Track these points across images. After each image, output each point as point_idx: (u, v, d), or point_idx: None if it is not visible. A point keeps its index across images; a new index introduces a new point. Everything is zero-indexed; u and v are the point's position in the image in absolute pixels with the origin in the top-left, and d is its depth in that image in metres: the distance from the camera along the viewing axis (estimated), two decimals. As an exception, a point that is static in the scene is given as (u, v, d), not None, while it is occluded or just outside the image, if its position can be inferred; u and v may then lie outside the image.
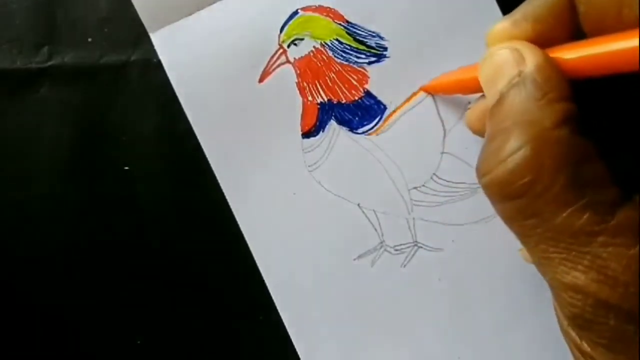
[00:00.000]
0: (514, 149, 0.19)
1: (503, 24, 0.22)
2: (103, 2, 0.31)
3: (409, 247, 0.30)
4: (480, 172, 0.21)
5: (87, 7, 0.31)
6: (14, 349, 0.32)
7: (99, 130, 0.31)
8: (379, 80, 0.30)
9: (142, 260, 0.31)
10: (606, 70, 0.19)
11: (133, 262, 0.31)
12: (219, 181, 0.30)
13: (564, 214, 0.18)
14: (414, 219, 0.30)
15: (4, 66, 0.31)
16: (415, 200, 0.30)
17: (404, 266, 0.30)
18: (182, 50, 0.30)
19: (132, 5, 0.30)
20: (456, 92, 0.28)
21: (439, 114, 0.30)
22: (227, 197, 0.30)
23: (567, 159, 0.18)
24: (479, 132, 0.27)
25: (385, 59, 0.30)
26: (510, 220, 0.20)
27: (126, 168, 0.31)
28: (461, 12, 0.29)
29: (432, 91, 0.30)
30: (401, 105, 0.30)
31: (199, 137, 0.30)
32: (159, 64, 0.30)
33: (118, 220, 0.31)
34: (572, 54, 0.20)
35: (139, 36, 0.30)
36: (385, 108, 0.30)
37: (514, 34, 0.22)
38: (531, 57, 0.20)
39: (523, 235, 0.20)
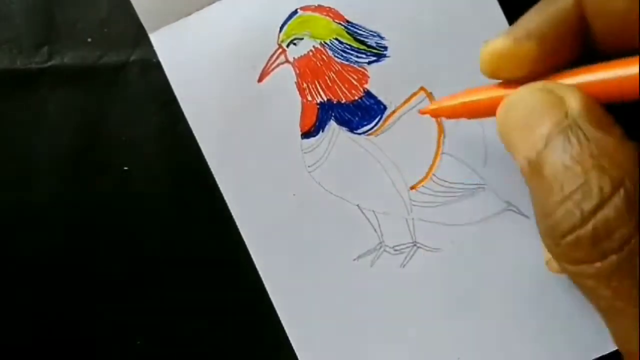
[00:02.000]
0: (605, 198, 0.16)
1: (504, 41, 0.20)
2: (103, 2, 0.31)
3: (408, 247, 0.30)
4: (559, 234, 0.17)
5: (87, 7, 0.31)
6: (14, 349, 0.32)
7: (98, 130, 0.31)
8: (379, 80, 0.30)
9: (142, 260, 0.31)
10: (630, 96, 0.17)
11: (133, 262, 0.31)
12: (218, 182, 0.30)
13: None
14: (413, 219, 0.30)
15: (3, 66, 0.31)
16: (415, 201, 0.30)
17: (403, 266, 0.30)
18: (181, 50, 0.30)
19: (131, 6, 0.30)
20: (461, 116, 0.26)
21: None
22: (226, 198, 0.30)
23: None
24: (496, 75, 0.23)
25: (386, 58, 0.30)
26: (604, 281, 0.17)
27: (126, 168, 0.31)
28: (462, 11, 0.29)
29: (433, 115, 0.29)
30: (401, 105, 0.30)
31: (197, 138, 0.30)
32: (158, 64, 0.30)
33: (118, 220, 0.31)
34: (596, 76, 0.18)
35: (139, 36, 0.30)
36: (385, 108, 0.30)
37: (516, 54, 0.20)
38: (574, 97, 0.18)
39: (615, 299, 0.17)
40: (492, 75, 0.21)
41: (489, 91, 0.23)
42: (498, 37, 0.20)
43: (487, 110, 0.21)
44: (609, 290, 0.17)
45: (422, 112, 0.28)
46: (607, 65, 0.18)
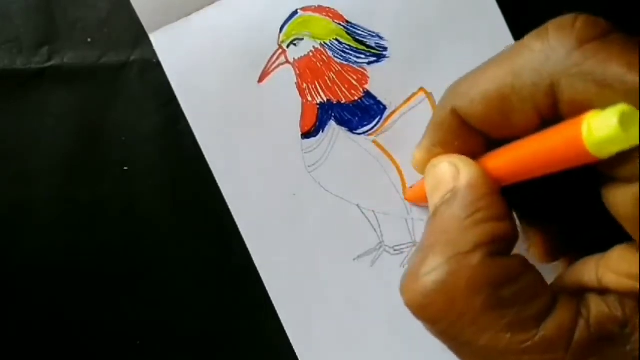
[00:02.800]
0: (429, 271, 0.19)
1: (420, 153, 0.23)
2: (102, 3, 0.31)
3: (408, 247, 0.30)
4: (400, 288, 0.20)
5: (87, 7, 0.31)
6: (14, 349, 0.32)
7: (98, 130, 0.31)
8: (379, 80, 0.30)
9: (141, 260, 0.31)
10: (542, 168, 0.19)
11: (132, 261, 0.31)
12: (218, 181, 0.30)
13: (486, 338, 0.18)
14: (413, 219, 0.30)
15: (3, 66, 0.31)
16: (415, 201, 0.30)
17: (404, 266, 0.30)
18: (181, 50, 0.30)
19: (131, 6, 0.29)
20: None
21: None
22: (226, 198, 0.30)
23: (482, 282, 0.18)
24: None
25: (385, 59, 0.30)
26: (438, 338, 0.20)
27: (125, 168, 0.31)
28: (461, 11, 0.29)
29: (414, 201, 0.30)
30: (401, 106, 0.30)
31: (197, 138, 0.30)
32: (158, 64, 0.30)
33: (117, 220, 0.31)
34: (500, 160, 0.20)
35: (139, 36, 0.30)
36: (385, 108, 0.30)
37: (432, 159, 0.22)
38: (465, 173, 0.20)
39: (455, 352, 0.20)
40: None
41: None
42: (417, 149, 0.24)
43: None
44: (450, 348, 0.20)
45: (407, 199, 0.30)
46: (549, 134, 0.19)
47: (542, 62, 0.17)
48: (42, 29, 0.31)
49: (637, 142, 0.15)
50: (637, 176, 0.16)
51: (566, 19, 0.17)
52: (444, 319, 0.19)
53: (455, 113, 0.21)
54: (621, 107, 0.15)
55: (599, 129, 0.15)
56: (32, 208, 0.31)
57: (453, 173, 0.20)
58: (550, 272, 0.23)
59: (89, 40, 0.31)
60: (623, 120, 0.15)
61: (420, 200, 0.29)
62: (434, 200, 0.21)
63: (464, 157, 0.21)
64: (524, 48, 0.18)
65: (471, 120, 0.20)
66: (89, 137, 0.31)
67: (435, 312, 0.19)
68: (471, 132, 0.21)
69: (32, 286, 0.32)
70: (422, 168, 0.23)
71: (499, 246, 0.19)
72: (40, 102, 0.31)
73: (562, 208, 0.24)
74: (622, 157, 0.16)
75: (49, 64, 0.31)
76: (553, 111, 0.18)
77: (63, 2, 0.31)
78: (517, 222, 0.24)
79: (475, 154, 0.21)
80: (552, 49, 0.17)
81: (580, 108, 0.17)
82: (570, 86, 0.17)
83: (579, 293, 0.19)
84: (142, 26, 0.30)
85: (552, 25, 0.18)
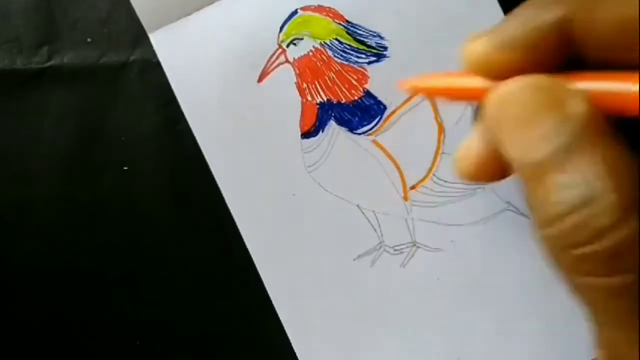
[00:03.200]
0: (620, 216, 0.15)
1: (484, 45, 0.18)
2: (102, 2, 0.31)
3: (408, 247, 0.30)
4: (565, 243, 0.16)
5: (87, 7, 0.31)
6: (14, 349, 0.32)
7: (98, 130, 0.31)
8: (379, 80, 0.30)
9: (141, 260, 0.31)
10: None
11: (132, 261, 0.31)
12: (218, 181, 0.30)
13: None
14: (413, 219, 0.30)
15: (3, 66, 0.31)
16: (415, 201, 0.30)
17: (404, 266, 0.30)
18: (181, 50, 0.30)
19: (131, 6, 0.29)
20: (442, 97, 0.25)
21: (439, 114, 0.30)
22: (226, 198, 0.30)
23: None
24: (476, 179, 0.22)
25: (385, 58, 0.30)
26: (612, 296, 0.16)
27: (125, 168, 0.31)
28: (462, 11, 0.29)
29: (411, 92, 0.27)
30: (401, 106, 0.30)
31: (197, 138, 0.30)
32: (158, 64, 0.30)
33: (117, 220, 0.31)
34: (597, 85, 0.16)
35: (138, 36, 0.30)
36: (385, 108, 0.30)
37: (498, 62, 0.18)
38: (578, 103, 0.16)
39: (619, 315, 0.16)
40: (475, 72, 0.20)
41: (475, 80, 0.20)
42: (478, 38, 0.19)
43: (472, 96, 0.20)
44: (614, 306, 0.16)
45: (401, 84, 0.24)
46: (611, 75, 0.17)
47: None
48: (42, 29, 0.31)
49: None
50: None
51: None
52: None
53: (567, 21, 0.17)
54: None
55: None
56: (32, 208, 0.31)
57: (554, 99, 0.16)
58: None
59: (88, 40, 0.31)
60: None
61: (434, 92, 0.24)
62: (541, 133, 0.17)
63: (552, 79, 0.17)
64: None
65: (585, 38, 0.17)
66: (89, 137, 0.31)
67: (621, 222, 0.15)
68: (568, 49, 0.17)
69: (32, 286, 0.32)
70: (477, 64, 0.19)
71: None
72: (40, 102, 0.31)
73: None
74: None
75: (49, 64, 0.31)
76: None
77: (63, 2, 0.31)
78: None
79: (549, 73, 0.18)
80: None
81: None
82: None
83: None
84: (142, 26, 0.30)
85: None
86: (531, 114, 0.17)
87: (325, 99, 0.30)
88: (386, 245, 0.30)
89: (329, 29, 0.30)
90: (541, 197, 0.17)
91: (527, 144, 0.17)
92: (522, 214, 0.30)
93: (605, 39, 0.17)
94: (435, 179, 0.30)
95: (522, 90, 0.17)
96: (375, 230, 0.30)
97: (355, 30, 0.30)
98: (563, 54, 0.17)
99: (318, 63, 0.30)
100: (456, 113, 0.30)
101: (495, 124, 0.18)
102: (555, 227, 0.17)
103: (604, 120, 0.16)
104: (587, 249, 0.16)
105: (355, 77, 0.30)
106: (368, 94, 0.30)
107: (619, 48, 0.16)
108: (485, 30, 0.19)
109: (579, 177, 0.16)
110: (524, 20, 0.18)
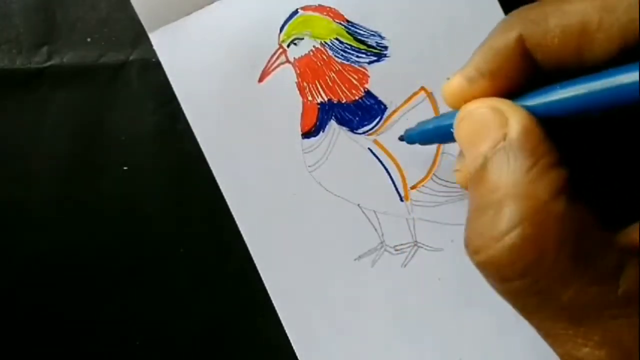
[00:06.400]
0: (511, 227, 0.17)
1: (458, 80, 0.21)
2: (102, 2, 0.31)
3: (409, 247, 0.30)
4: (472, 249, 0.19)
5: (87, 7, 0.31)
6: (14, 349, 0.32)
7: (98, 130, 0.31)
8: (380, 79, 0.30)
9: (141, 260, 0.31)
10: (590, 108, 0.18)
11: (132, 262, 0.31)
12: (218, 181, 0.30)
13: (571, 291, 0.17)
14: (413, 219, 0.30)
15: (3, 66, 0.31)
16: (415, 201, 0.30)
17: (404, 266, 0.30)
18: (181, 49, 0.30)
19: (131, 6, 0.29)
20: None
21: (439, 113, 0.30)
22: (226, 198, 0.30)
23: (569, 231, 0.17)
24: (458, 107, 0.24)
25: (386, 58, 0.30)
26: (512, 299, 0.19)
27: (125, 168, 0.31)
28: (462, 10, 0.29)
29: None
30: (402, 105, 0.30)
31: (197, 137, 0.30)
32: (158, 64, 0.30)
33: (117, 220, 0.31)
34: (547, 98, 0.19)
35: (138, 36, 0.30)
36: (385, 108, 0.30)
37: (473, 94, 0.21)
38: (516, 118, 0.19)
39: (526, 312, 0.19)
40: (456, 108, 0.22)
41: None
42: (454, 76, 0.21)
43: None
44: (523, 307, 0.18)
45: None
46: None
47: None
48: (42, 29, 0.31)
49: None
50: None
51: None
52: (531, 274, 0.17)
53: (521, 40, 0.19)
54: None
55: None
56: (32, 208, 0.31)
57: (499, 120, 0.19)
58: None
59: (88, 40, 0.31)
60: None
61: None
62: (479, 149, 0.19)
63: (506, 101, 0.19)
64: None
65: (539, 51, 0.19)
66: (89, 137, 0.31)
67: (522, 268, 0.17)
68: (530, 65, 0.19)
69: (32, 286, 0.32)
70: (453, 100, 0.21)
71: (572, 192, 0.18)
72: (40, 102, 0.31)
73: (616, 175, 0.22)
74: None
75: (49, 63, 0.31)
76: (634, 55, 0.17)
77: (63, 2, 0.31)
78: None
79: (523, 89, 0.20)
80: None
81: None
82: None
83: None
84: (141, 26, 0.30)
85: None
86: (476, 133, 0.19)
87: (325, 99, 0.30)
88: (387, 245, 0.30)
89: (330, 29, 0.30)
90: (470, 205, 0.19)
91: (472, 158, 0.20)
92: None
93: (554, 48, 0.19)
94: (435, 178, 0.30)
95: (474, 111, 0.20)
96: (376, 230, 0.30)
97: (355, 30, 0.30)
98: (525, 70, 0.19)
99: (318, 63, 0.30)
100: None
101: (457, 140, 0.21)
102: (467, 231, 0.19)
103: (537, 135, 0.18)
104: (481, 257, 0.18)
105: (355, 77, 0.30)
106: (368, 93, 0.30)
107: (566, 54, 0.18)
108: (460, 69, 0.21)
109: (495, 189, 0.18)
110: (487, 49, 0.20)
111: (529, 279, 0.17)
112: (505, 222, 0.17)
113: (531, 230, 0.17)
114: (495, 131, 0.19)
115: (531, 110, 0.19)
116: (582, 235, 0.17)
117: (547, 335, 0.18)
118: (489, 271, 0.18)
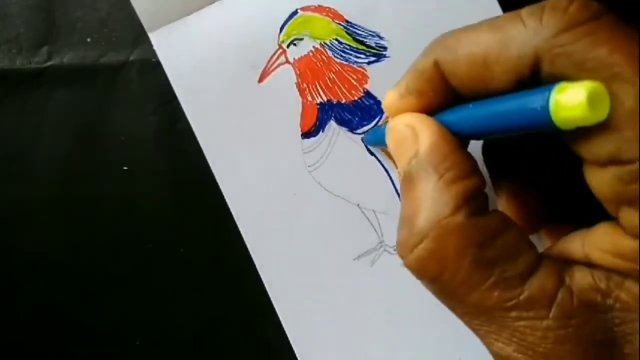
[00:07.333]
0: (417, 241, 0.19)
1: (392, 97, 0.23)
2: (102, 2, 0.31)
3: (408, 247, 0.30)
4: (398, 254, 0.21)
5: (87, 7, 0.31)
6: (14, 349, 0.32)
7: (98, 130, 0.31)
8: (379, 80, 0.30)
9: (141, 261, 0.31)
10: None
11: (132, 262, 0.31)
12: (218, 181, 0.30)
13: (475, 296, 0.19)
14: (413, 219, 0.30)
15: (3, 66, 0.31)
16: (415, 201, 0.30)
17: (404, 266, 0.30)
18: (181, 49, 0.30)
19: (131, 6, 0.29)
20: None
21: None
22: (226, 198, 0.30)
23: (468, 243, 0.19)
24: None
25: (385, 58, 0.30)
26: (435, 297, 0.21)
27: (125, 168, 0.31)
28: (462, 11, 0.29)
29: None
30: (401, 105, 0.30)
31: (198, 138, 0.30)
32: (158, 64, 0.30)
33: (117, 220, 0.31)
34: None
35: (138, 36, 0.30)
36: (385, 108, 0.30)
37: (402, 107, 0.22)
38: (425, 135, 0.20)
39: (449, 308, 0.21)
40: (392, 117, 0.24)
41: None
42: (391, 90, 0.23)
43: None
44: (444, 304, 0.21)
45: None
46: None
47: (530, 38, 0.18)
48: (41, 29, 0.31)
49: (603, 119, 0.16)
50: (610, 159, 0.17)
51: (562, 1, 0.18)
52: (438, 280, 0.19)
53: (437, 65, 0.21)
54: (593, 84, 0.16)
55: (567, 98, 0.16)
56: (32, 208, 0.31)
57: (412, 136, 0.21)
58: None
59: (88, 40, 0.31)
60: (592, 96, 0.16)
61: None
62: (400, 164, 0.21)
63: (421, 116, 0.21)
64: (517, 21, 0.19)
65: (451, 76, 0.21)
66: (89, 137, 0.31)
67: (430, 275, 0.20)
68: (448, 86, 0.21)
69: (32, 285, 0.32)
70: (389, 111, 0.23)
71: (476, 204, 0.19)
72: (40, 102, 0.31)
73: (544, 180, 0.24)
74: (594, 139, 0.17)
75: (49, 64, 0.31)
76: (533, 85, 0.19)
77: (63, 2, 0.31)
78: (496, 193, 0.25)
79: (446, 107, 0.22)
80: (543, 27, 0.18)
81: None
82: (552, 63, 0.18)
83: (566, 263, 0.20)
84: (142, 26, 0.30)
85: (548, 5, 0.18)
86: (398, 147, 0.22)
87: (325, 99, 0.30)
88: (386, 245, 0.30)
89: (329, 29, 0.30)
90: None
91: (400, 170, 0.21)
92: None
93: (463, 75, 0.20)
94: (435, 178, 0.30)
95: (394, 127, 0.22)
96: (375, 229, 0.30)
97: (354, 30, 0.30)
98: (445, 91, 0.21)
99: (318, 63, 0.30)
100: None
101: (390, 152, 0.23)
102: (397, 234, 0.21)
103: (445, 148, 0.20)
104: (404, 262, 0.20)
105: (355, 77, 0.30)
106: (368, 94, 0.30)
107: (473, 81, 0.20)
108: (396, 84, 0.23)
109: (405, 202, 0.21)
110: (412, 70, 0.22)
111: (438, 284, 0.20)
112: (414, 236, 0.20)
113: (432, 245, 0.19)
114: (410, 148, 0.21)
115: (446, 125, 0.21)
116: (484, 244, 0.19)
117: (469, 327, 0.20)
118: (411, 273, 0.21)
